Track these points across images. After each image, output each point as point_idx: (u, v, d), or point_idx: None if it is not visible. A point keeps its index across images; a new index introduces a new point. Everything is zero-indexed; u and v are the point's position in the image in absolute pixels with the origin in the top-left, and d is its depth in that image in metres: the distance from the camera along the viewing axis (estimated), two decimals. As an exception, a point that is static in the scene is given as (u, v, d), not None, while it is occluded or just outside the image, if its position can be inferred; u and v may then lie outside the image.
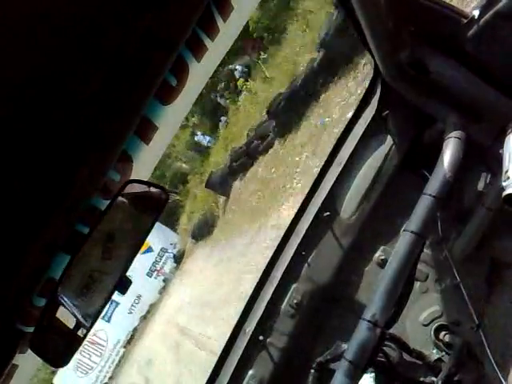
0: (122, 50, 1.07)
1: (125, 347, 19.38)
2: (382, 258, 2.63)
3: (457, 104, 2.27)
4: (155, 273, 19.58)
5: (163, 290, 19.69)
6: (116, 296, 1.31)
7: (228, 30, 1.44)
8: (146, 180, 1.45)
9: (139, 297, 19.32)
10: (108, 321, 18.38)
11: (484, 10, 1.91)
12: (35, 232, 1.08)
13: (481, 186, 2.40)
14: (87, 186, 1.19)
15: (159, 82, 1.23)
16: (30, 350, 1.25)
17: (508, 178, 2.00)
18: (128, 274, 1.32)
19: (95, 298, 1.30)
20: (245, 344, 2.52)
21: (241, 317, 2.60)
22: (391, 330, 2.39)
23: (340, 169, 2.57)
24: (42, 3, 0.93)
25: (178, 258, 19.45)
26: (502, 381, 2.31)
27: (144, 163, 1.47)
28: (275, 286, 2.54)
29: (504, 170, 2.03)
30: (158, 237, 18.25)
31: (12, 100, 0.96)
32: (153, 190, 1.38)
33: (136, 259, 1.33)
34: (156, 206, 1.38)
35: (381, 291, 2.14)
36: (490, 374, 2.42)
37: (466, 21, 1.99)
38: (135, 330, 19.68)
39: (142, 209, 1.37)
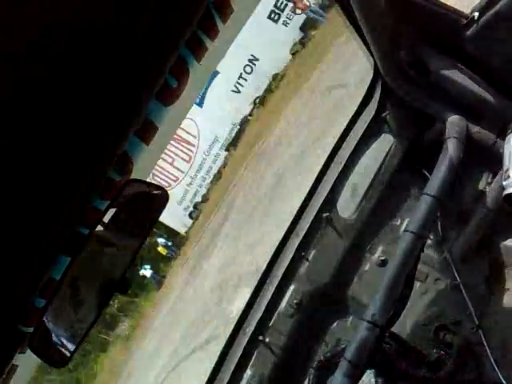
0: (121, 50, 1.07)
1: (227, 150, 10.77)
2: (382, 258, 2.63)
3: (457, 104, 2.27)
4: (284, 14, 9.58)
5: (301, 48, 10.02)
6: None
7: (228, 31, 1.45)
8: (145, 180, 1.45)
9: (253, 61, 10.31)
10: (199, 104, 9.77)
11: (484, 10, 1.92)
12: (36, 233, 1.09)
13: (481, 185, 2.40)
14: (88, 186, 1.19)
15: (160, 82, 1.23)
16: (29, 351, 1.25)
17: (508, 177, 2.00)
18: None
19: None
20: (244, 344, 2.52)
21: (241, 317, 2.60)
22: (391, 330, 2.39)
23: (340, 168, 2.57)
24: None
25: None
26: (502, 380, 2.31)
27: (144, 163, 1.47)
28: (275, 285, 2.55)
29: (504, 169, 2.04)
30: None
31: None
32: (153, 190, 1.39)
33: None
34: (156, 206, 1.39)
35: (381, 291, 2.14)
36: (490, 373, 2.42)
37: (465, 21, 1.99)
38: (245, 120, 10.45)
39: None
